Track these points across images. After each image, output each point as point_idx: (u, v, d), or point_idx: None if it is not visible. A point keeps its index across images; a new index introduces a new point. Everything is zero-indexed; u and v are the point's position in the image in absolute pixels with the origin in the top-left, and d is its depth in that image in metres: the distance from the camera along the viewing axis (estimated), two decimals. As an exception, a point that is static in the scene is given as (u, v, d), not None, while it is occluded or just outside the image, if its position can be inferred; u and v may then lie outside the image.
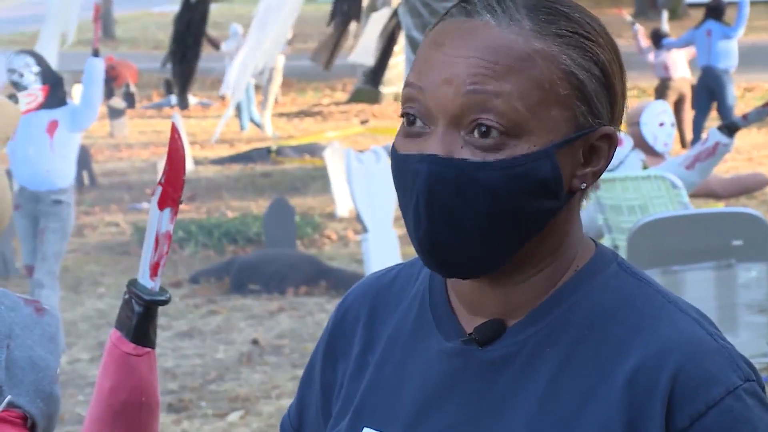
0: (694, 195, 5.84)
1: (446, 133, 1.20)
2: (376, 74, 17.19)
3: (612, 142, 1.24)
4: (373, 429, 1.29)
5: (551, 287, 1.26)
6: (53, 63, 10.23)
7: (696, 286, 5.24)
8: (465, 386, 1.25)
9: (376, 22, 15.66)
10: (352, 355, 1.35)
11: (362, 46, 15.60)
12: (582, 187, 1.24)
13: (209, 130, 17.14)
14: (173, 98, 20.42)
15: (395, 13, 13.88)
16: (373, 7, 16.51)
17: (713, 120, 13.03)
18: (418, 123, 1.23)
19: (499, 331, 1.25)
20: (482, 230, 1.20)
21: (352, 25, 15.52)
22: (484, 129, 1.19)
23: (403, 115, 1.24)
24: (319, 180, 12.77)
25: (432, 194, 1.20)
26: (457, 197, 1.19)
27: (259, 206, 11.54)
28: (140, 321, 1.63)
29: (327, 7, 15.77)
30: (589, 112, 1.22)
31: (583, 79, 1.21)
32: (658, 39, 14.00)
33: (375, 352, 1.33)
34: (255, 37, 12.41)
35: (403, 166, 1.23)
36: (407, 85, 1.23)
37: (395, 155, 1.25)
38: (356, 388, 1.33)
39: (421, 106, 1.22)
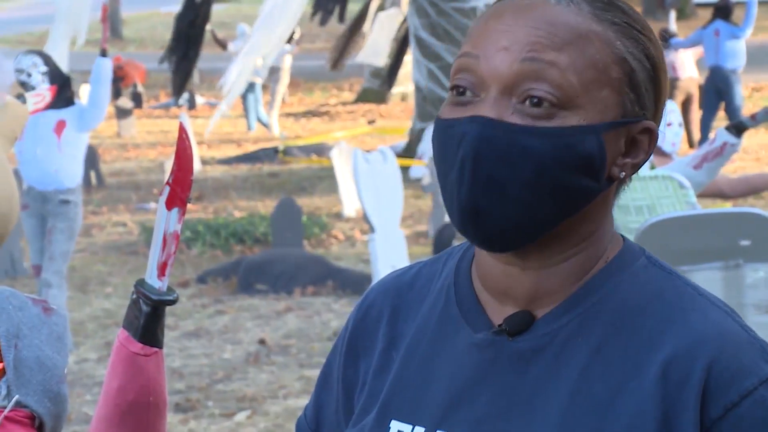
0: (701, 195, 5.83)
1: (498, 100, 1.21)
2: (390, 75, 17.19)
3: (653, 137, 1.27)
4: (402, 422, 1.29)
5: (581, 277, 1.26)
6: (63, 63, 10.24)
7: (703, 287, 5.22)
8: (496, 378, 1.26)
9: (383, 22, 15.65)
10: (376, 352, 1.35)
11: (370, 46, 15.59)
12: (621, 176, 1.25)
13: (217, 130, 17.16)
14: (181, 98, 20.42)
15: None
16: (381, 7, 16.51)
17: (721, 120, 13.02)
18: (468, 93, 1.23)
19: (528, 322, 1.26)
20: (523, 198, 1.20)
21: (366, 26, 15.52)
22: (536, 99, 1.20)
23: (452, 87, 1.25)
24: (326, 180, 12.77)
25: (478, 156, 1.20)
26: (503, 161, 1.20)
27: (266, 206, 11.55)
28: (148, 321, 1.63)
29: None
30: (637, 101, 1.24)
31: (635, 67, 1.24)
32: (665, 39, 13.90)
33: (400, 349, 1.33)
34: (259, 34, 12.41)
35: (448, 131, 1.23)
36: (462, 55, 1.24)
37: (439, 123, 1.25)
38: (381, 384, 1.32)
39: (473, 75, 1.23)
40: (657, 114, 1.27)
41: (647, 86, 1.25)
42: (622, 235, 1.31)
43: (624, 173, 1.25)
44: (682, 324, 1.22)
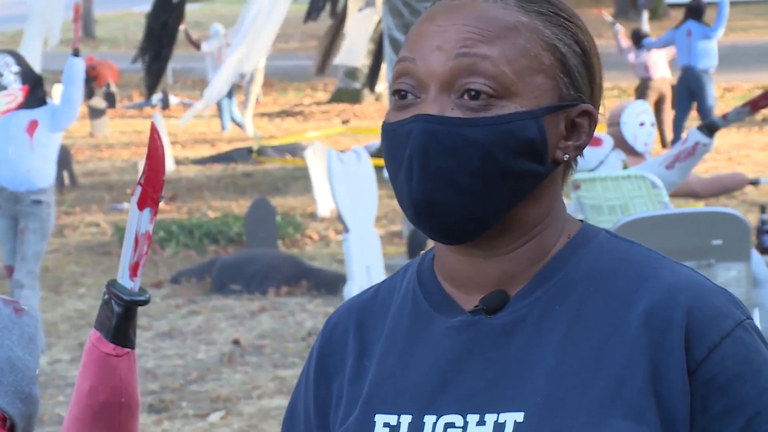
0: (674, 195, 5.86)
1: (438, 97, 1.26)
2: (371, 76, 17.20)
3: (592, 119, 1.30)
4: (386, 414, 1.29)
5: (542, 257, 1.30)
6: (37, 64, 10.19)
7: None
8: (479, 355, 1.28)
9: (359, 23, 15.64)
10: (347, 365, 1.35)
11: (347, 47, 15.59)
12: (565, 159, 1.29)
13: (190, 130, 17.11)
14: (154, 98, 20.35)
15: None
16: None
17: (693, 120, 13.08)
18: (409, 96, 1.28)
19: (503, 300, 1.29)
20: (473, 187, 1.24)
21: (346, 28, 15.51)
22: (473, 93, 1.25)
23: (394, 93, 1.29)
24: (300, 180, 12.76)
25: (425, 150, 1.25)
26: (449, 153, 1.24)
27: (240, 206, 11.53)
28: (120, 321, 1.63)
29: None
30: (571, 85, 1.28)
31: (565, 52, 1.28)
32: (638, 39, 14.03)
33: (372, 356, 1.34)
34: (245, 39, 12.38)
35: (395, 133, 1.27)
36: (400, 60, 1.29)
37: (386, 127, 1.29)
38: (359, 389, 1.33)
39: (412, 78, 1.28)
40: (593, 97, 1.31)
41: (580, 70, 1.29)
42: (581, 220, 1.35)
43: (567, 155, 1.29)
44: (655, 279, 1.28)
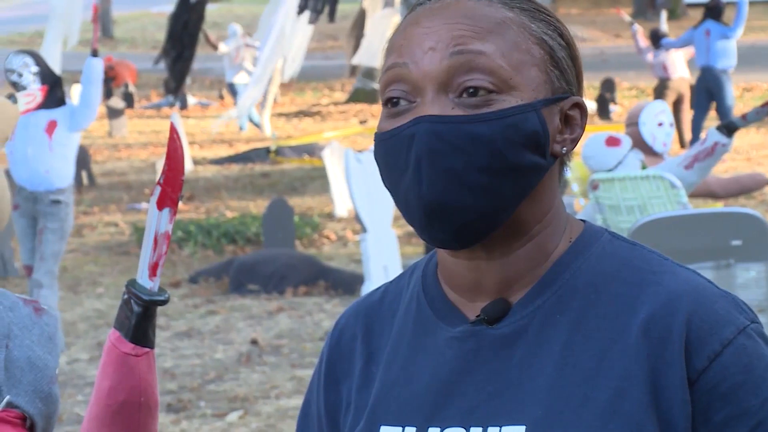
0: (692, 195, 5.84)
1: (436, 99, 1.24)
2: None
3: (583, 111, 1.30)
4: (391, 426, 1.29)
5: (546, 258, 1.29)
6: (56, 64, 10.22)
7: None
8: (481, 366, 1.27)
9: (377, 23, 15.65)
10: (355, 371, 1.35)
11: (365, 47, 15.60)
12: (563, 152, 1.28)
13: (208, 130, 17.15)
14: (172, 98, 20.39)
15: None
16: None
17: (712, 120, 13.04)
18: (403, 103, 1.26)
19: (504, 309, 1.28)
20: (482, 184, 1.23)
21: (365, 28, 15.55)
22: (471, 90, 1.24)
23: (386, 102, 1.27)
24: (317, 180, 12.77)
25: (432, 150, 1.23)
26: (457, 152, 1.23)
27: (257, 206, 11.54)
28: (139, 321, 1.63)
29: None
30: (562, 77, 1.28)
31: (553, 46, 1.28)
32: (656, 39, 14.00)
33: (379, 363, 1.34)
34: (276, 44, 12.42)
35: (393, 140, 1.25)
36: (389, 68, 1.27)
37: (380, 136, 1.27)
38: (366, 397, 1.33)
39: (405, 83, 1.26)
40: (580, 90, 1.32)
41: (568, 63, 1.29)
42: (583, 219, 1.34)
43: (565, 148, 1.29)
44: (655, 285, 1.26)
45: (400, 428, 1.28)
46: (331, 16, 15.24)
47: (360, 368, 1.35)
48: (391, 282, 1.40)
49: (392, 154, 1.25)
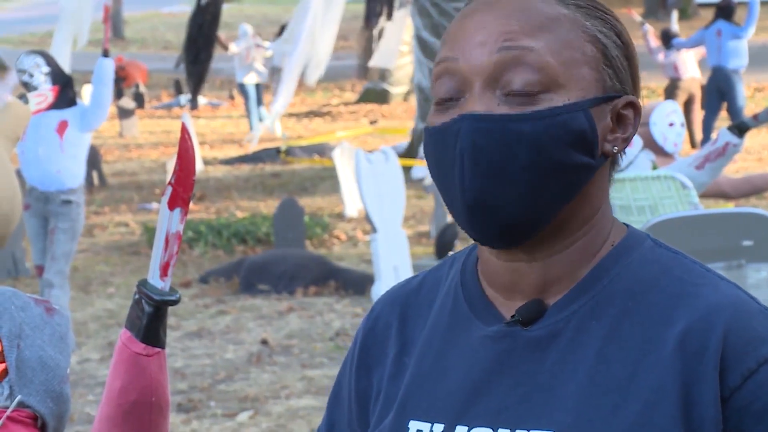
0: (704, 195, 5.83)
1: (483, 94, 1.23)
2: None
3: (637, 110, 1.29)
4: (420, 421, 1.29)
5: (587, 261, 1.27)
6: (67, 64, 10.24)
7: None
8: (513, 368, 1.26)
9: (393, 25, 15.65)
10: (388, 360, 1.35)
11: (382, 49, 15.62)
12: (614, 151, 1.27)
13: (219, 130, 17.16)
14: (182, 98, 20.42)
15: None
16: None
17: (723, 120, 13.01)
18: (452, 97, 1.26)
19: (540, 310, 1.27)
20: (526, 181, 1.22)
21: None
22: (519, 87, 1.23)
23: (436, 96, 1.27)
24: (328, 180, 12.77)
25: (476, 146, 1.22)
26: (501, 150, 1.22)
27: (268, 206, 11.55)
28: (150, 321, 1.63)
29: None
30: (616, 77, 1.27)
31: (607, 44, 1.27)
32: (668, 39, 13.97)
33: (412, 354, 1.33)
34: (305, 46, 12.46)
35: (441, 135, 1.25)
36: (440, 61, 1.27)
37: (430, 130, 1.26)
38: (397, 389, 1.32)
39: (455, 77, 1.25)
40: (635, 90, 1.30)
41: (622, 62, 1.28)
42: (626, 224, 1.32)
43: (616, 147, 1.27)
44: (694, 297, 1.23)
45: (429, 424, 1.28)
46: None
47: (393, 357, 1.34)
48: (429, 271, 1.39)
49: (440, 149, 1.25)
